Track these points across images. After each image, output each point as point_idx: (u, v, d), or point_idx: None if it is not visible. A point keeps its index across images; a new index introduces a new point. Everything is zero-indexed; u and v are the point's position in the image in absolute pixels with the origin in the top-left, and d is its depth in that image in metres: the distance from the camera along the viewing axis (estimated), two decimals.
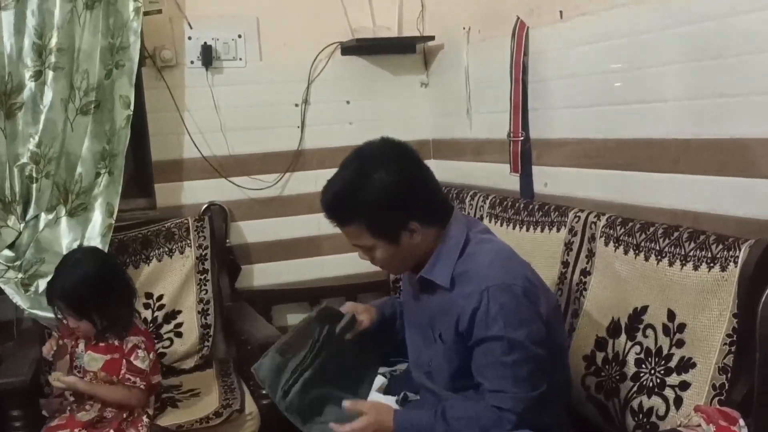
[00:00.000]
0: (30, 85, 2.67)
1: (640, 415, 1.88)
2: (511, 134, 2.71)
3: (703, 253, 1.78)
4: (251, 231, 3.26)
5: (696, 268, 1.79)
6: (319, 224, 3.29)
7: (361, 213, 1.73)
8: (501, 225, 2.61)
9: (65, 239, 2.76)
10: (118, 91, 2.79)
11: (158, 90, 3.03)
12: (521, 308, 1.69)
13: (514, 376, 1.67)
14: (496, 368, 1.68)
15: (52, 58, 2.67)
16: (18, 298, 2.66)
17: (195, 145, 3.10)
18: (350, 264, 3.34)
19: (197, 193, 3.15)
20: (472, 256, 1.78)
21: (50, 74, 2.67)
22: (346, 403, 1.77)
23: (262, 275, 3.28)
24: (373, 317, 2.02)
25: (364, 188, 1.71)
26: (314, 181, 3.28)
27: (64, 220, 2.77)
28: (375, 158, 1.76)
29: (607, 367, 2.03)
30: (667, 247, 1.89)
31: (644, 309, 1.93)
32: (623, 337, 1.99)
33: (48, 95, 2.69)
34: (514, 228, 2.54)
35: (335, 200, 1.76)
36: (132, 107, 2.79)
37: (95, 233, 2.76)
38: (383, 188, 1.71)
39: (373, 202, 1.71)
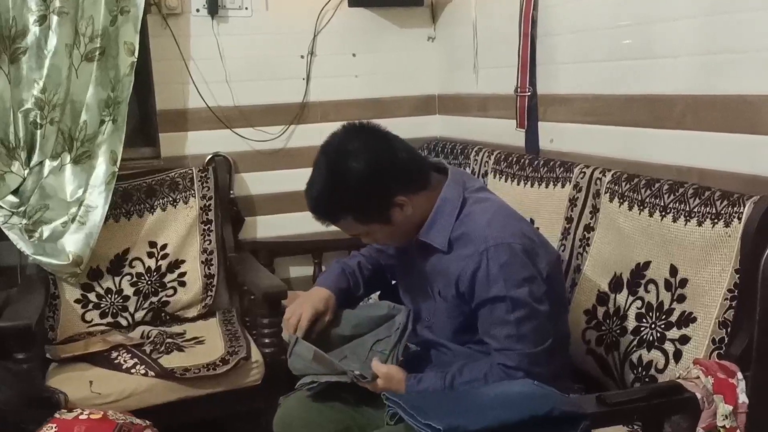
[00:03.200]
0: (34, 29, 2.65)
1: (640, 368, 1.90)
2: (519, 89, 2.70)
3: (708, 209, 1.79)
4: (255, 183, 3.26)
5: (700, 224, 1.79)
6: None
7: (344, 207, 1.74)
8: (506, 180, 2.61)
9: (70, 186, 2.77)
10: (123, 37, 2.77)
11: (163, 38, 3.01)
12: (521, 266, 1.70)
13: (518, 334, 1.69)
14: (501, 327, 1.70)
15: (57, 3, 2.65)
16: (22, 244, 2.67)
17: (200, 95, 3.08)
18: None
19: (202, 143, 3.14)
20: (469, 217, 1.78)
21: (55, 19, 2.66)
22: (373, 364, 1.80)
23: (266, 227, 3.29)
24: (330, 305, 1.99)
25: (339, 183, 1.71)
26: (319, 134, 3.21)
27: (68, 167, 2.77)
28: (340, 150, 1.75)
29: (607, 321, 2.05)
30: (671, 203, 1.89)
31: (647, 264, 1.94)
32: (625, 292, 2.00)
33: (52, 40, 2.67)
34: (518, 184, 2.54)
35: (317, 202, 1.77)
36: (136, 54, 2.78)
37: (99, 181, 2.76)
38: (357, 176, 1.70)
39: (352, 193, 1.71)
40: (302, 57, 3.25)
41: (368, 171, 1.71)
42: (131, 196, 2.89)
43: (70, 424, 2.04)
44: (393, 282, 2.12)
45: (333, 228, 3.28)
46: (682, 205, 1.85)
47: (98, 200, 2.73)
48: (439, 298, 1.83)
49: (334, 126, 3.27)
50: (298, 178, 3.25)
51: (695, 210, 1.82)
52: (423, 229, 1.81)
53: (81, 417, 2.07)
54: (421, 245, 1.84)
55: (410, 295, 1.97)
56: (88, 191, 2.75)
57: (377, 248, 2.11)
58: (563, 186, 2.33)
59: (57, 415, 2.07)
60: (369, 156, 1.72)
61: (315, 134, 3.25)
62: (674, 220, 1.87)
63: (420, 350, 1.95)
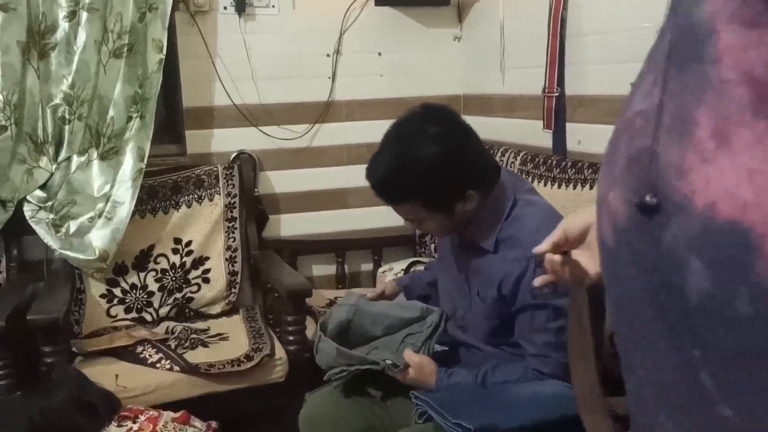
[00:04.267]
0: (64, 25, 2.67)
1: None
2: (546, 90, 2.68)
3: None
4: (279, 181, 3.26)
5: None
6: (347, 177, 3.32)
7: (415, 190, 1.68)
8: (532, 181, 2.59)
9: (97, 182, 2.79)
10: (151, 34, 2.79)
11: (190, 35, 3.02)
12: None
13: (557, 342, 1.67)
14: (540, 334, 1.69)
15: None
16: (49, 239, 2.69)
17: (226, 92, 3.09)
18: (376, 218, 3.36)
19: (227, 141, 3.15)
20: (519, 220, 1.74)
21: (84, 15, 2.67)
22: (405, 353, 1.78)
23: (289, 225, 3.30)
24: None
25: (415, 164, 1.65)
26: (344, 133, 3.30)
27: (95, 163, 2.79)
28: (420, 129, 1.69)
29: None
30: None
31: None
32: None
33: (81, 36, 2.69)
34: (545, 185, 2.53)
35: (386, 179, 1.69)
36: (164, 51, 2.79)
37: (126, 177, 2.77)
38: (435, 161, 1.64)
39: (427, 177, 1.65)
40: (328, 55, 3.25)
41: (448, 157, 1.66)
42: (157, 193, 2.90)
43: None
44: None
45: (356, 227, 3.36)
46: None
47: (125, 196, 2.74)
48: (476, 298, 1.81)
49: (360, 124, 3.28)
50: (322, 177, 3.32)
51: None
52: (471, 227, 1.78)
53: None
54: (465, 243, 1.82)
55: (447, 294, 1.96)
56: (115, 187, 2.77)
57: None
58: (591, 188, 2.31)
59: (106, 429, 2.05)
60: (450, 141, 1.68)
61: (340, 133, 3.28)
62: None
63: (449, 350, 1.93)
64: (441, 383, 1.74)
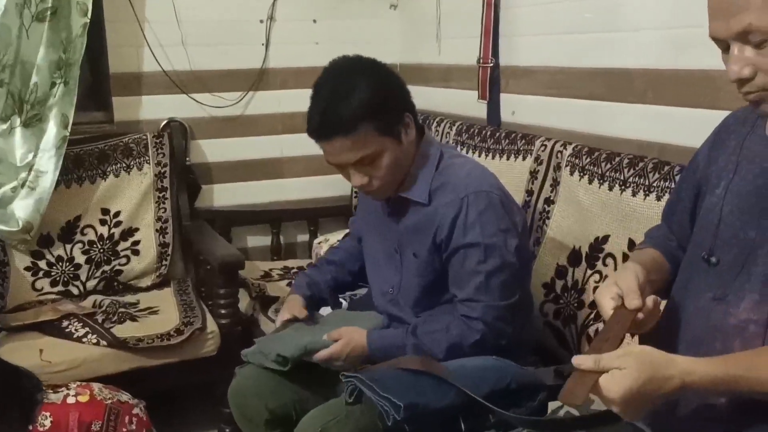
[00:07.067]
0: None
1: None
2: (481, 60, 2.68)
3: (667, 183, 1.79)
4: (212, 150, 3.19)
5: (659, 198, 1.80)
6: (282, 146, 3.27)
7: (364, 113, 1.67)
8: (467, 152, 2.60)
9: (19, 150, 2.68)
10: None
11: None
12: (498, 216, 1.72)
13: (487, 285, 1.70)
14: (471, 277, 1.71)
15: None
16: None
17: (155, 58, 2.99)
18: (311, 188, 3.33)
19: (156, 108, 3.06)
20: (448, 169, 1.80)
21: None
22: (325, 336, 1.80)
23: (223, 195, 3.23)
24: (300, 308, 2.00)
25: (356, 90, 1.68)
26: (277, 101, 3.24)
27: (18, 131, 2.68)
28: (348, 66, 1.76)
29: (565, 294, 2.06)
30: (631, 177, 1.89)
31: (605, 238, 1.95)
32: (583, 265, 2.01)
33: (2, 0, 2.57)
34: (480, 155, 2.53)
35: (334, 108, 1.68)
36: (89, 15, 2.68)
37: (49, 145, 2.67)
38: (374, 84, 1.70)
39: (371, 98, 1.68)
40: (261, 22, 3.17)
41: (384, 80, 1.74)
42: (83, 162, 2.80)
43: (64, 411, 1.92)
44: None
45: (291, 197, 3.32)
46: (642, 180, 1.86)
47: (48, 165, 2.65)
48: (411, 260, 1.82)
49: (294, 93, 3.22)
50: (256, 146, 3.26)
51: (654, 184, 1.82)
52: (403, 185, 1.80)
53: (69, 401, 1.94)
54: (397, 205, 1.84)
55: (376, 270, 1.96)
56: (38, 155, 2.67)
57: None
58: (524, 159, 2.33)
59: (46, 400, 1.97)
60: (381, 70, 1.77)
61: (274, 101, 3.22)
62: (633, 194, 1.87)
63: (387, 327, 1.93)
64: (372, 345, 1.76)
